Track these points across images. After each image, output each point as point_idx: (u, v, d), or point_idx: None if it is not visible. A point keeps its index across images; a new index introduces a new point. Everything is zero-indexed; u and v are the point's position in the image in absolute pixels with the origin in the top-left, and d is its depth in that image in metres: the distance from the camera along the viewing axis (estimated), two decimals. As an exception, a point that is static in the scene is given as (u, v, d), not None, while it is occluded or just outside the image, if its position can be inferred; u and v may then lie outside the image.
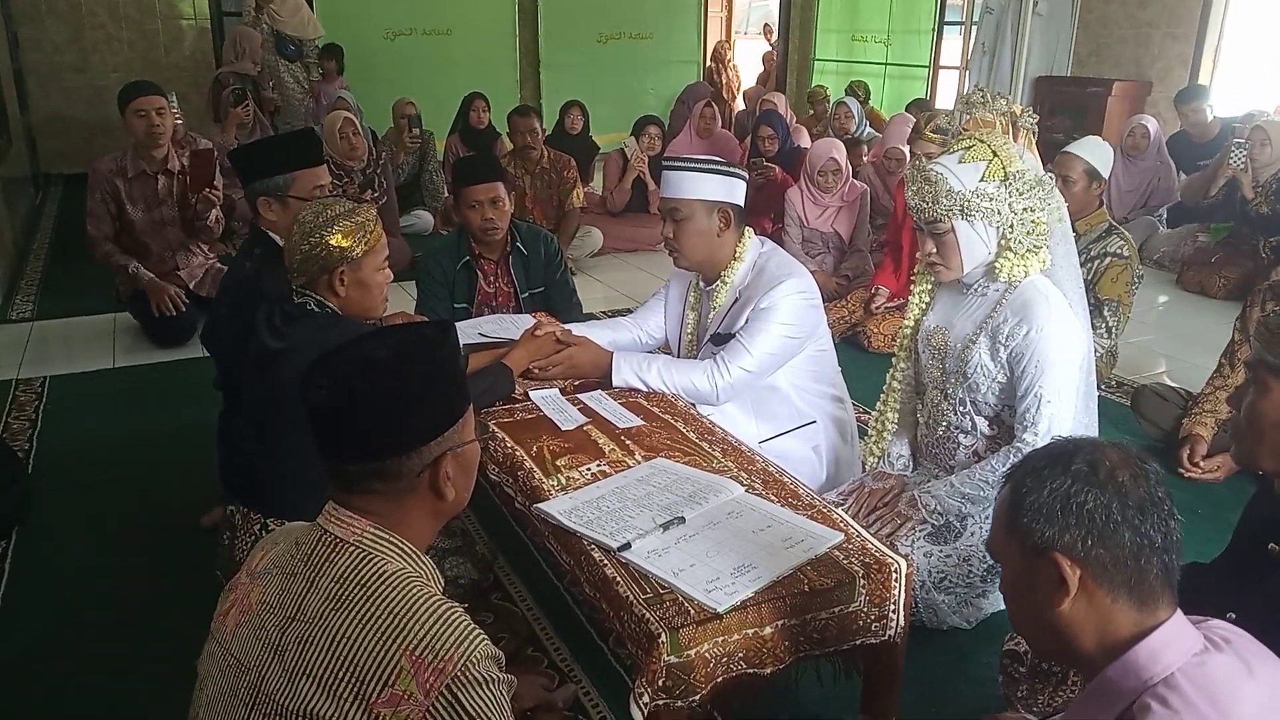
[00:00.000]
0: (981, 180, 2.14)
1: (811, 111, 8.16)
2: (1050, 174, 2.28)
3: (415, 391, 1.22)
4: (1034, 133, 2.55)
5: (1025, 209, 2.14)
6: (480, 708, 1.12)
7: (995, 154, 2.15)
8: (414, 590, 1.17)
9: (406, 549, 1.24)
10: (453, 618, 1.16)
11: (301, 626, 1.17)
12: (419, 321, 1.35)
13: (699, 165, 2.49)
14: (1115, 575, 1.08)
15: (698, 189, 2.45)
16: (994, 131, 2.24)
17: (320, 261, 2.08)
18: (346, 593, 1.17)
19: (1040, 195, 2.16)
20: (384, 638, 1.13)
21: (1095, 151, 3.56)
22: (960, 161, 2.16)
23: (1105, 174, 3.58)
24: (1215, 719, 1.01)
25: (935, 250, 2.23)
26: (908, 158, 5.00)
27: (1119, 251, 3.42)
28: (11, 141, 6.68)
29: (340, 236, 2.07)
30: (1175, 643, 1.07)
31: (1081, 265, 2.63)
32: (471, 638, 1.15)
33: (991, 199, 2.13)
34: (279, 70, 7.26)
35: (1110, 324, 3.48)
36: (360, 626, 1.14)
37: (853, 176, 5.03)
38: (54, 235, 6.60)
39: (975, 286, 2.29)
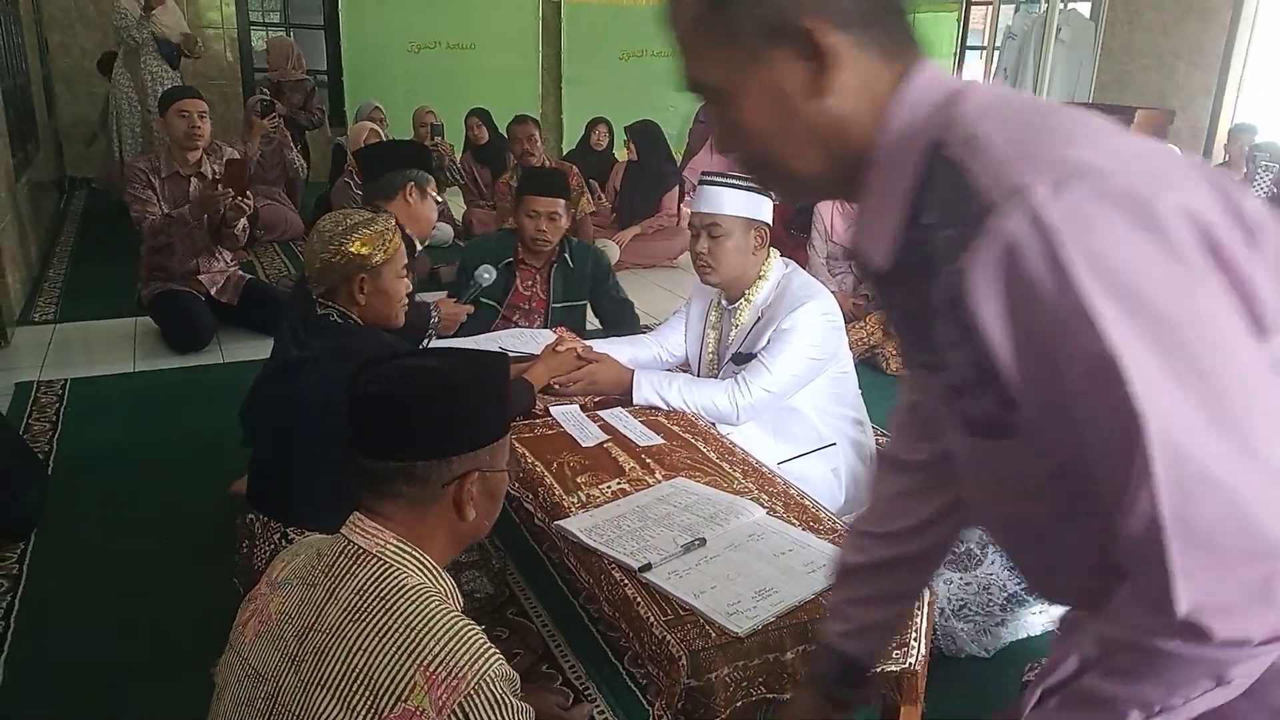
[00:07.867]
0: None
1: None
2: None
3: (458, 402, 1.25)
4: None
5: None
6: None
7: None
8: (432, 606, 1.17)
9: (427, 564, 1.24)
10: (469, 635, 1.15)
11: (319, 637, 1.17)
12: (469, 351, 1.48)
13: (739, 182, 2.45)
14: (865, 22, 0.83)
15: (739, 206, 2.43)
16: None
17: (340, 269, 2.09)
18: (365, 605, 1.17)
19: None
20: (399, 652, 1.12)
21: None
22: None
23: None
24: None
25: None
26: None
27: None
28: (40, 146, 6.75)
29: (359, 244, 2.08)
30: (939, 78, 0.85)
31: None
32: (487, 656, 1.14)
33: None
34: (163, 77, 6.62)
35: None
36: (376, 639, 1.14)
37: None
38: (78, 238, 6.66)
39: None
